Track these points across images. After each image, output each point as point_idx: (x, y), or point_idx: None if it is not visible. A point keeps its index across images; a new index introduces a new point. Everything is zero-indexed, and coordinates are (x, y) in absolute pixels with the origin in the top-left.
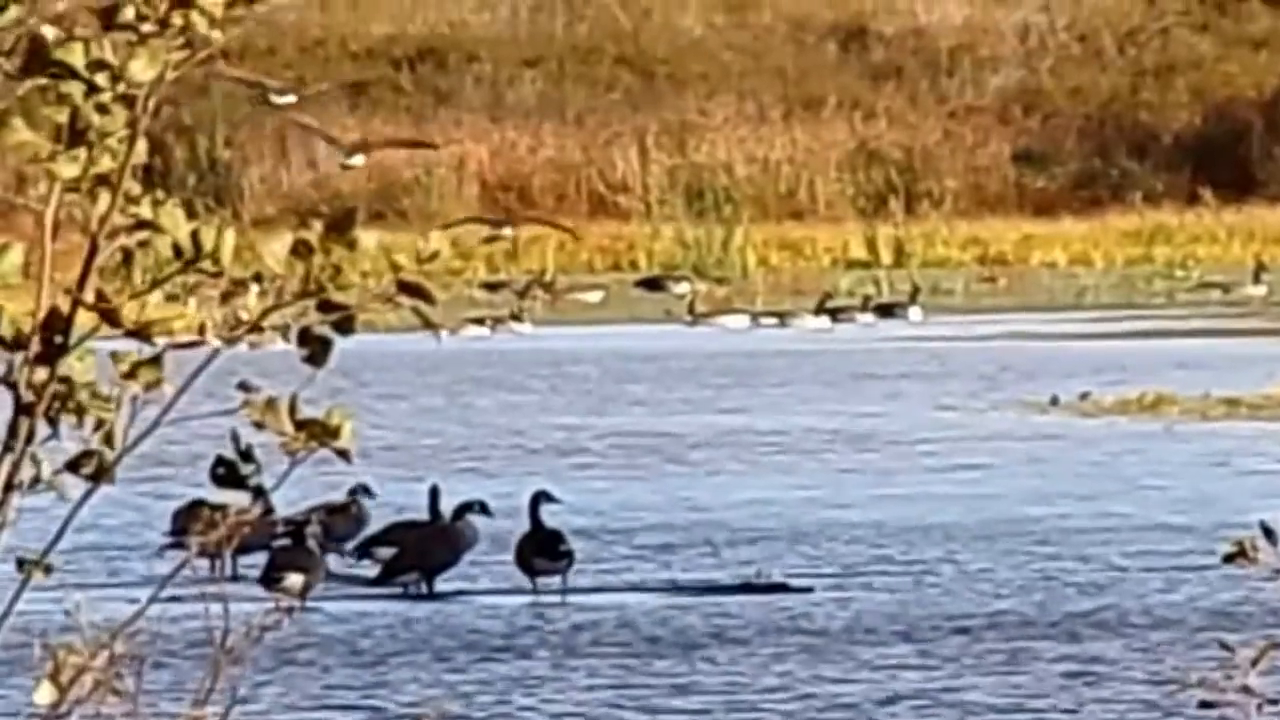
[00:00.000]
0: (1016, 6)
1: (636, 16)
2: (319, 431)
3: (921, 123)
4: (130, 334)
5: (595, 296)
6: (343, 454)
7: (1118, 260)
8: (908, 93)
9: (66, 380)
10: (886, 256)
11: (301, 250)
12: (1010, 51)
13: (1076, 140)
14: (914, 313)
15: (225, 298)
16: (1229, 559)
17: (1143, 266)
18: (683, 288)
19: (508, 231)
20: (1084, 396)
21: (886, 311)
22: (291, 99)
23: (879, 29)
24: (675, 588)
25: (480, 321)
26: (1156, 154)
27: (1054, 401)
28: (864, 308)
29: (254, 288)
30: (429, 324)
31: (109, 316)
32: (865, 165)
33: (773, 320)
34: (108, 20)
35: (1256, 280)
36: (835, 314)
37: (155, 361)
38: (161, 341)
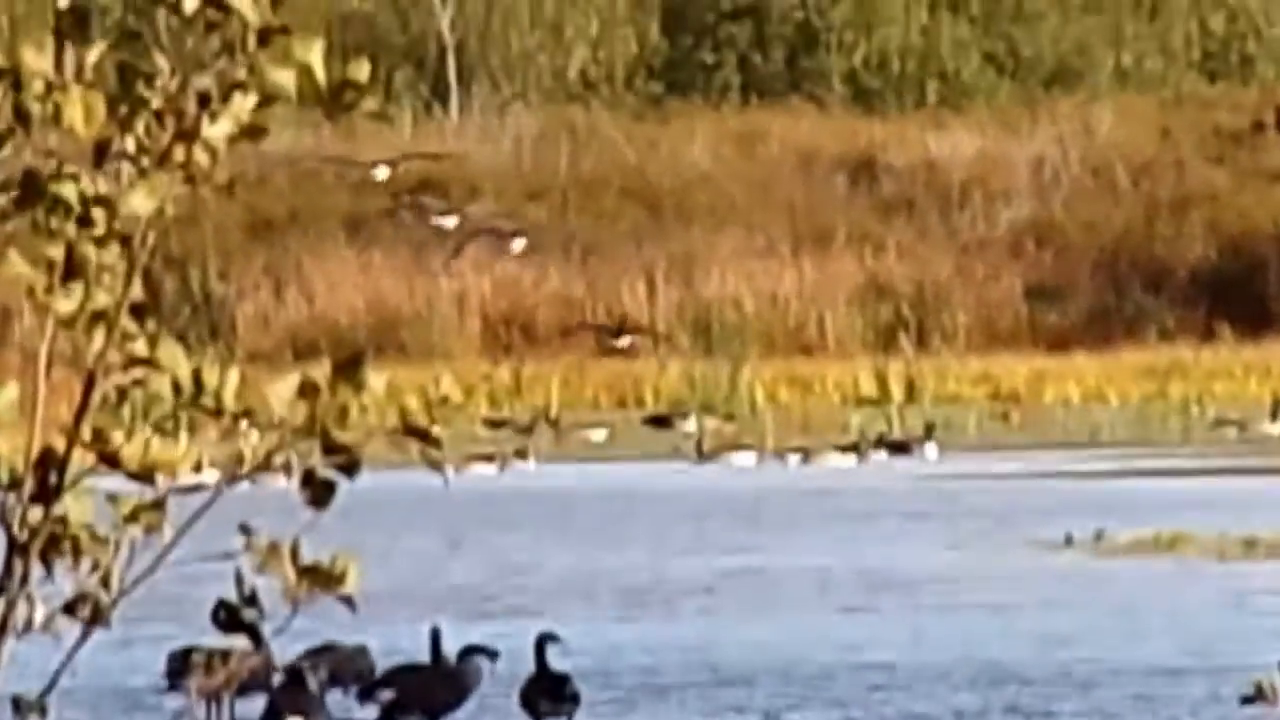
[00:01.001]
0: (1029, 139)
1: (642, 148)
2: (322, 579)
3: (932, 256)
4: (132, 476)
5: (601, 434)
6: (347, 601)
7: (1132, 397)
8: (918, 226)
9: (62, 520)
10: (898, 393)
11: (308, 391)
12: (1022, 184)
13: (1090, 274)
14: (929, 450)
15: (226, 436)
16: (1247, 701)
17: (1158, 403)
18: (690, 425)
19: (624, 342)
20: (1099, 536)
21: (900, 449)
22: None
23: (889, 161)
24: None
25: (488, 458)
26: (1171, 288)
27: (1068, 541)
28: (877, 445)
29: (252, 427)
30: (435, 465)
31: (109, 458)
32: (875, 299)
33: (797, 457)
34: (101, 156)
35: (1274, 418)
36: (846, 451)
37: (158, 505)
38: (163, 483)
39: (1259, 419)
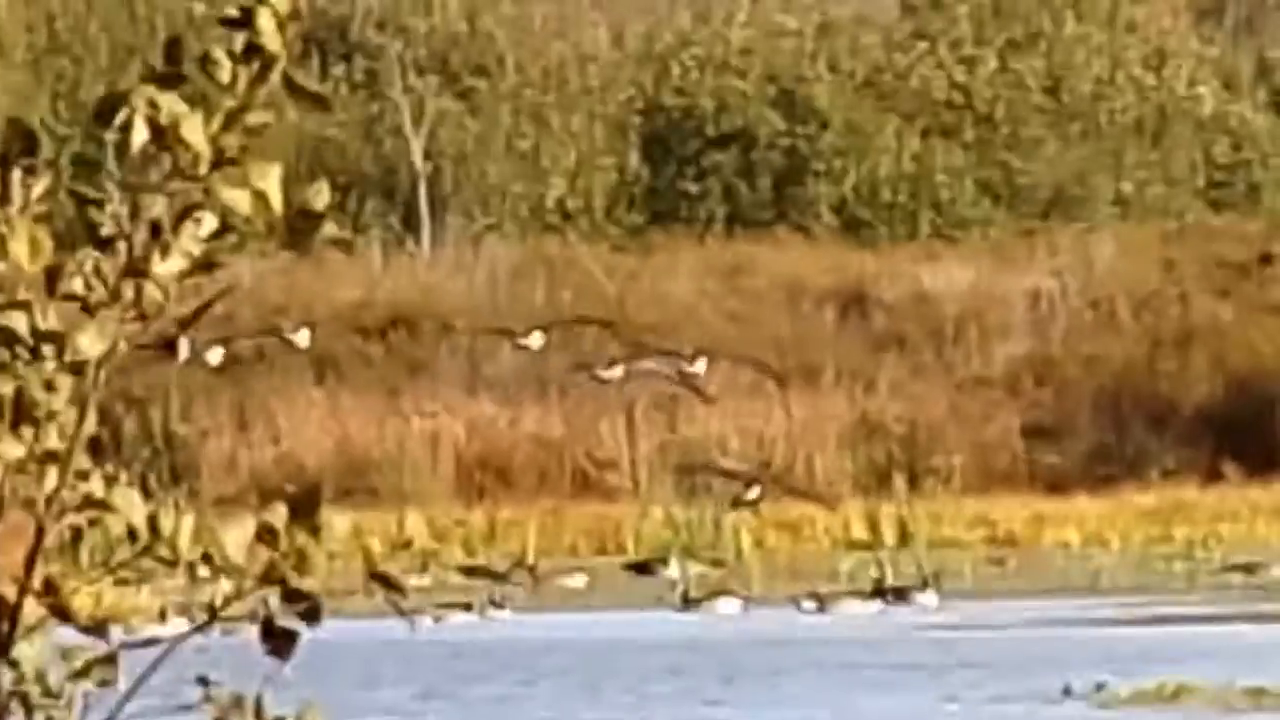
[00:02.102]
0: (1026, 271)
1: (622, 281)
2: None
3: (926, 394)
4: (85, 630)
5: (580, 581)
6: None
7: (1135, 540)
8: (911, 362)
9: (15, 673)
10: (890, 537)
11: (265, 535)
12: (1019, 319)
13: (1090, 413)
14: (928, 598)
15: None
16: None
17: (1162, 547)
18: (673, 571)
19: (754, 493)
20: (1100, 687)
21: (896, 596)
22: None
23: (880, 295)
24: None
25: (466, 607)
26: (1175, 427)
27: (1067, 692)
28: (873, 593)
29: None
30: (402, 612)
31: (60, 611)
32: (866, 439)
33: (813, 605)
34: (52, 286)
35: None
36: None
37: (110, 660)
38: (116, 637)
39: (1269, 563)
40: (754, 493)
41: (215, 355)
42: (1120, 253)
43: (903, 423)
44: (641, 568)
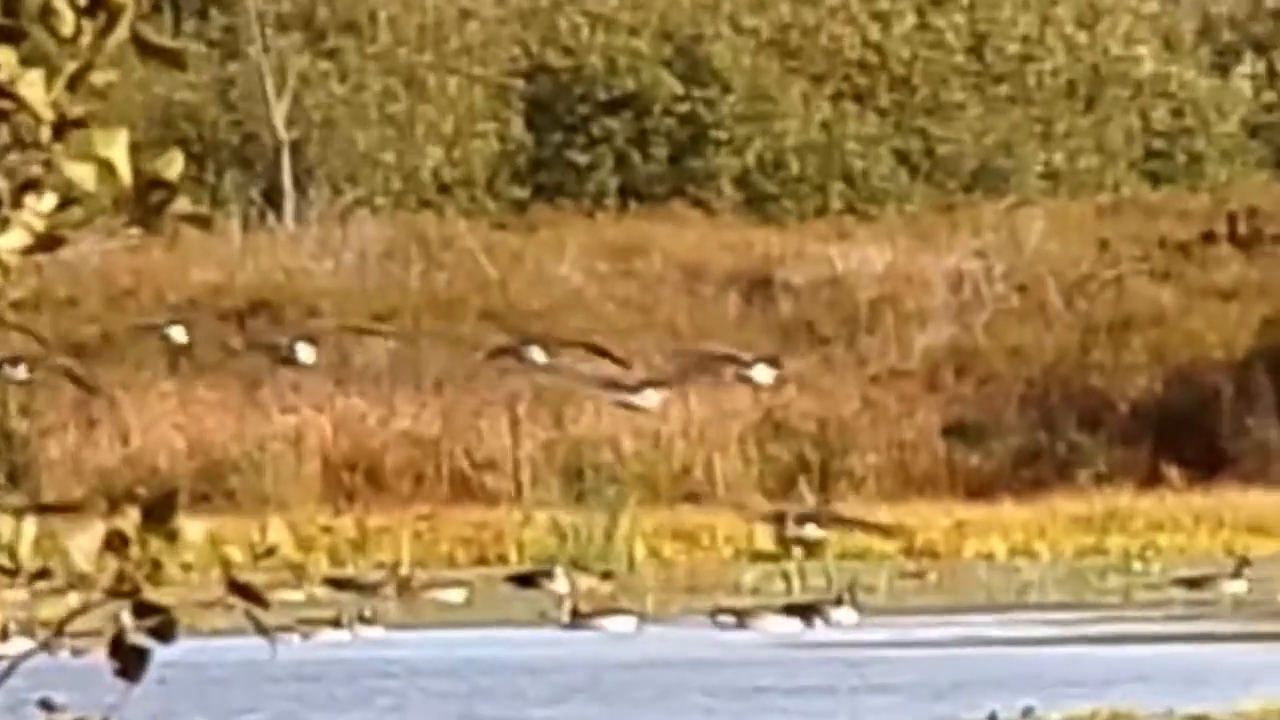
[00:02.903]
0: (947, 251)
1: (505, 263)
2: None
3: (837, 389)
4: None
5: (457, 595)
6: None
7: (1066, 551)
8: (821, 353)
9: None
10: (797, 547)
11: (115, 543)
12: (940, 304)
13: (1017, 409)
14: (844, 614)
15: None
16: None
17: (1095, 559)
18: (560, 584)
19: (810, 533)
20: (1027, 713)
21: (808, 613)
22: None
23: (787, 278)
24: None
25: (335, 624)
26: (1111, 425)
27: (991, 719)
28: (785, 609)
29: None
30: (263, 630)
31: None
32: (772, 438)
33: (730, 620)
34: None
35: (1237, 575)
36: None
37: None
38: None
39: (1215, 576)
40: (810, 531)
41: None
42: (1050, 231)
43: (812, 420)
44: (524, 580)
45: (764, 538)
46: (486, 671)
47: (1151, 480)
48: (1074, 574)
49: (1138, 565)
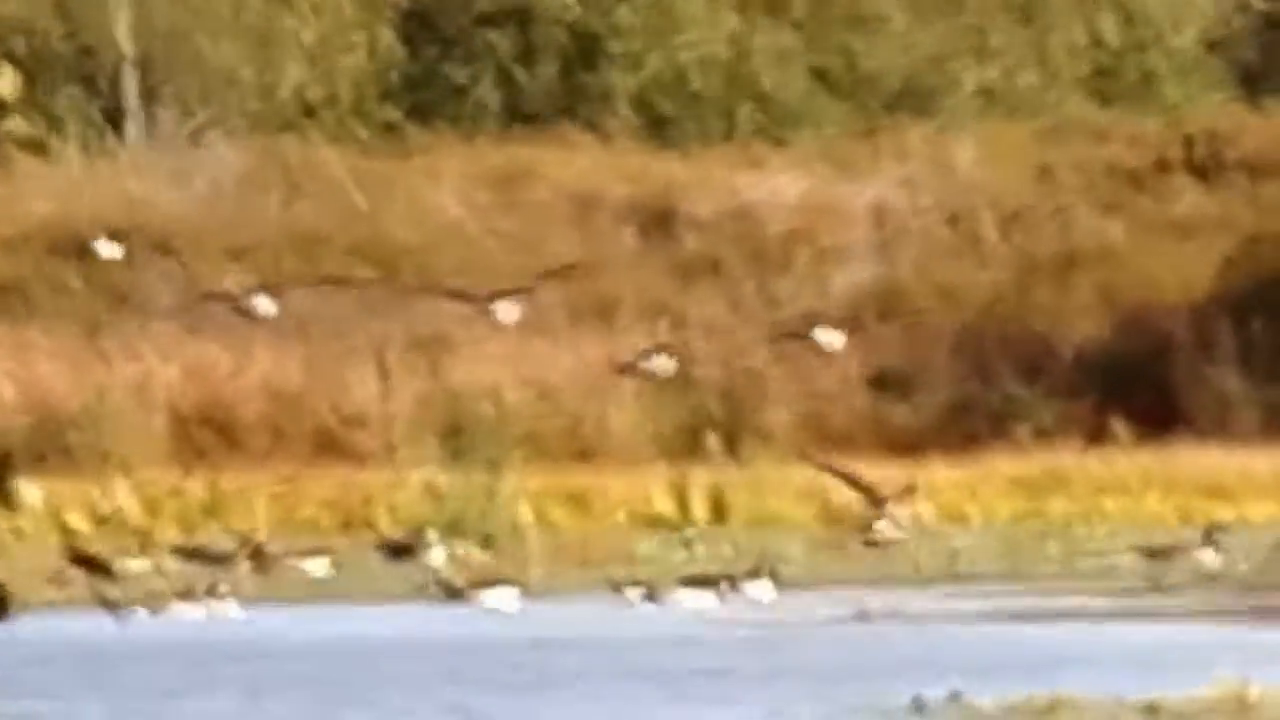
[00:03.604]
0: (869, 180)
1: (375, 193)
2: None
3: (746, 333)
4: None
5: (321, 566)
6: None
7: (1001, 516)
8: (728, 294)
9: None
10: (701, 512)
11: None
12: (861, 240)
13: (948, 357)
14: (760, 588)
15: None
16: None
17: (1033, 524)
18: (435, 554)
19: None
20: (955, 698)
21: (717, 586)
22: None
23: (690, 210)
24: None
25: (184, 598)
26: (1053, 375)
27: (917, 707)
28: (687, 581)
29: None
30: (108, 605)
31: None
32: (673, 390)
33: (636, 594)
34: None
35: (1208, 542)
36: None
37: None
38: None
39: (1187, 546)
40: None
41: None
42: (985, 157)
43: (718, 368)
44: (397, 549)
45: (664, 501)
46: (352, 651)
47: (1097, 437)
48: (1010, 541)
49: (1081, 531)
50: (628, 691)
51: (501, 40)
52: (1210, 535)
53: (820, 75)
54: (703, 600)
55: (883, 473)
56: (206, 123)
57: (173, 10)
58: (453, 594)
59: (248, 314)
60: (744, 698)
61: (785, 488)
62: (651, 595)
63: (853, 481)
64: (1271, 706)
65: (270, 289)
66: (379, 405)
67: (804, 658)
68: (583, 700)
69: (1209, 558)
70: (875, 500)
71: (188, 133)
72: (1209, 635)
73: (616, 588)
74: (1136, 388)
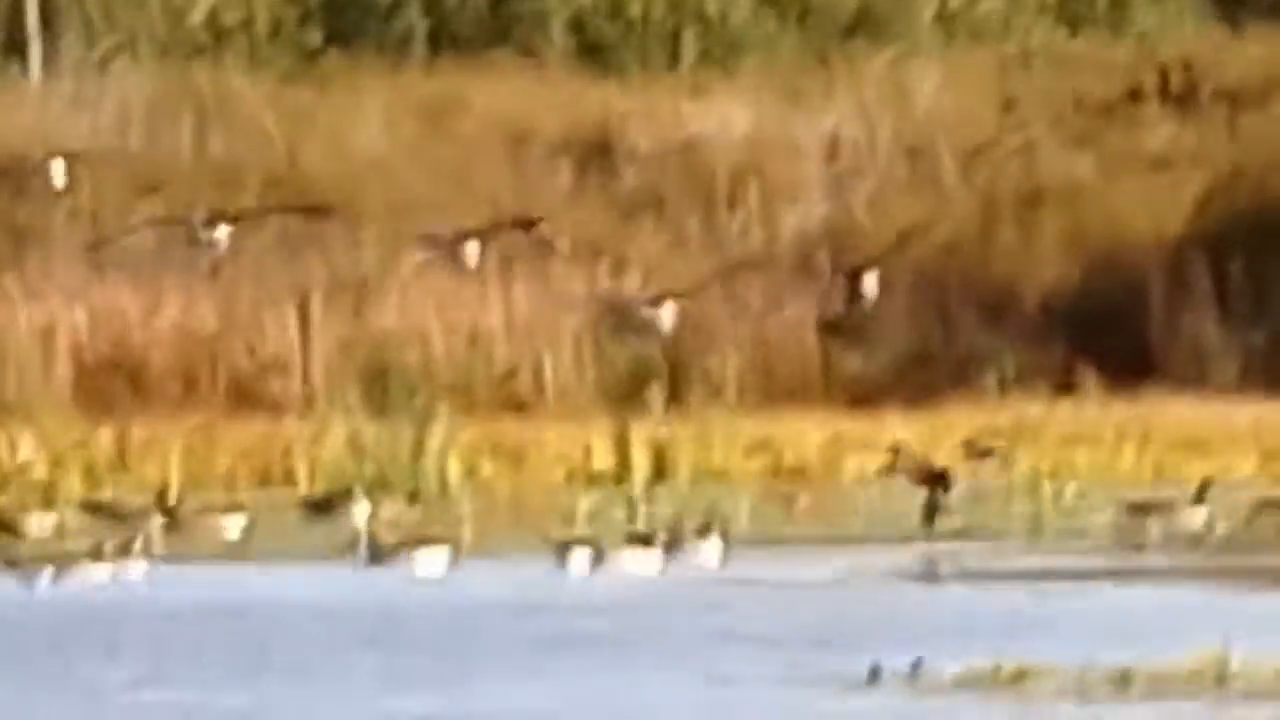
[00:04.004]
0: (822, 111)
1: (293, 125)
2: None
3: (690, 275)
4: None
5: (237, 524)
6: None
7: (961, 471)
8: (671, 233)
9: None
10: (643, 467)
11: None
12: (813, 176)
13: (906, 302)
14: (707, 549)
15: None
16: None
17: (999, 480)
18: (359, 512)
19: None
20: (916, 668)
21: (664, 546)
22: None
23: (631, 144)
24: None
25: (91, 556)
26: (1018, 321)
27: (874, 676)
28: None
29: None
30: (12, 564)
31: None
32: (612, 335)
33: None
34: None
35: (1200, 500)
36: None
37: None
38: None
39: (1163, 505)
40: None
41: None
42: (946, 87)
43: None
44: (318, 506)
45: (604, 456)
46: (270, 615)
47: (1066, 387)
48: (973, 499)
49: (1048, 488)
50: (564, 658)
51: None
52: (1187, 492)
53: None
54: (646, 561)
55: (840, 425)
56: (113, 49)
57: None
58: (378, 555)
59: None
60: (686, 664)
61: (733, 441)
62: (591, 556)
63: (924, 471)
64: (1254, 676)
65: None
66: (299, 352)
67: (752, 622)
68: (517, 668)
69: (1187, 516)
70: (946, 485)
71: (93, 59)
72: (1187, 599)
73: (554, 548)
74: (1108, 335)
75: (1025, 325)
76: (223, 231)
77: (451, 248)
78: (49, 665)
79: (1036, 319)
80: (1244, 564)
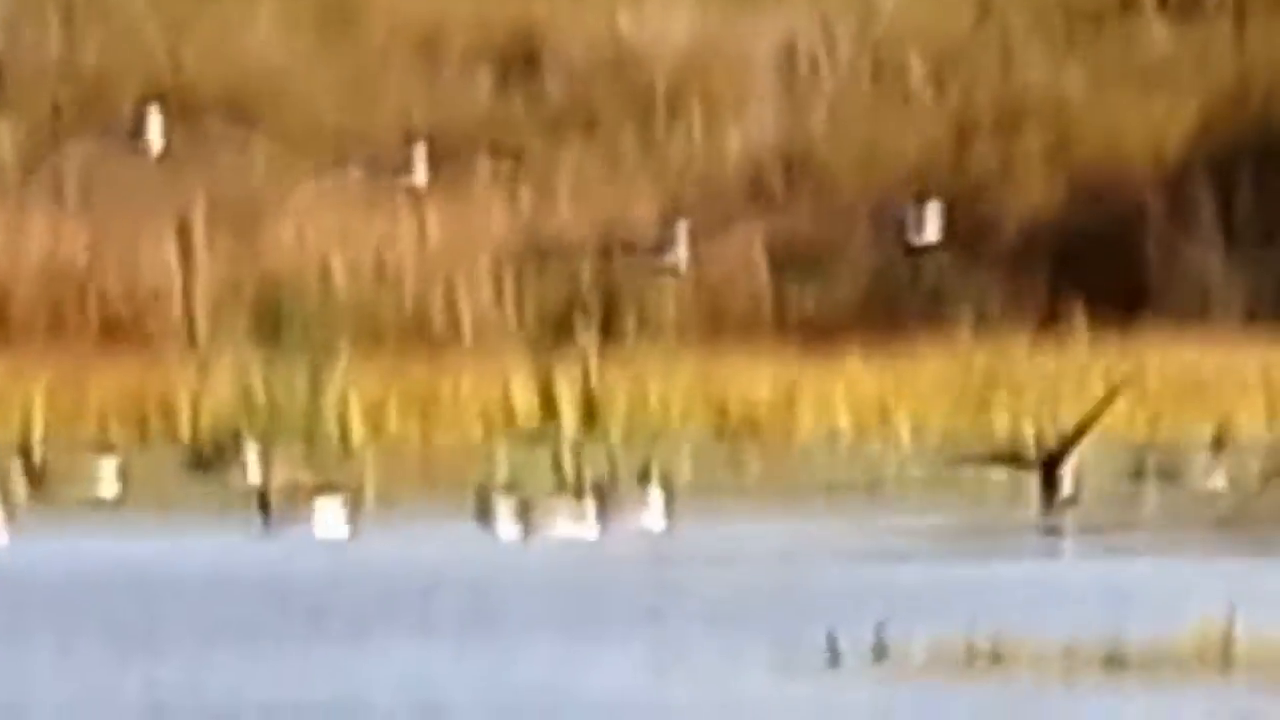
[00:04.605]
0: (774, 14)
1: (176, 30)
2: None
3: (626, 200)
4: None
5: (109, 479)
6: None
7: (934, 425)
8: (604, 152)
9: None
10: (571, 416)
11: None
12: (764, 89)
13: (870, 230)
14: (645, 510)
15: None
16: None
17: (973, 431)
18: (249, 467)
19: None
20: (880, 647)
21: (599, 506)
22: None
23: (558, 51)
24: None
25: None
26: (996, 251)
27: (832, 654)
28: (566, 499)
29: None
30: None
31: None
32: (537, 267)
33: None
34: None
35: (1218, 450)
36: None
37: None
38: None
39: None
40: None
41: None
42: None
43: (592, 241)
44: (202, 460)
45: (527, 403)
46: (146, 584)
47: (1050, 326)
48: (944, 453)
49: (1030, 442)
50: (480, 634)
51: None
52: (1188, 448)
53: None
54: (576, 524)
55: (794, 370)
56: None
57: None
58: (269, 515)
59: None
60: (620, 644)
61: (673, 388)
62: (514, 518)
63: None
64: (1260, 654)
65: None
66: (180, 285)
67: (693, 598)
68: (426, 646)
69: (1189, 476)
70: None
71: None
72: (1186, 569)
73: (470, 509)
74: (1097, 266)
75: (1004, 256)
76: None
77: (354, 167)
78: None
79: (1017, 249)
80: (1252, 530)
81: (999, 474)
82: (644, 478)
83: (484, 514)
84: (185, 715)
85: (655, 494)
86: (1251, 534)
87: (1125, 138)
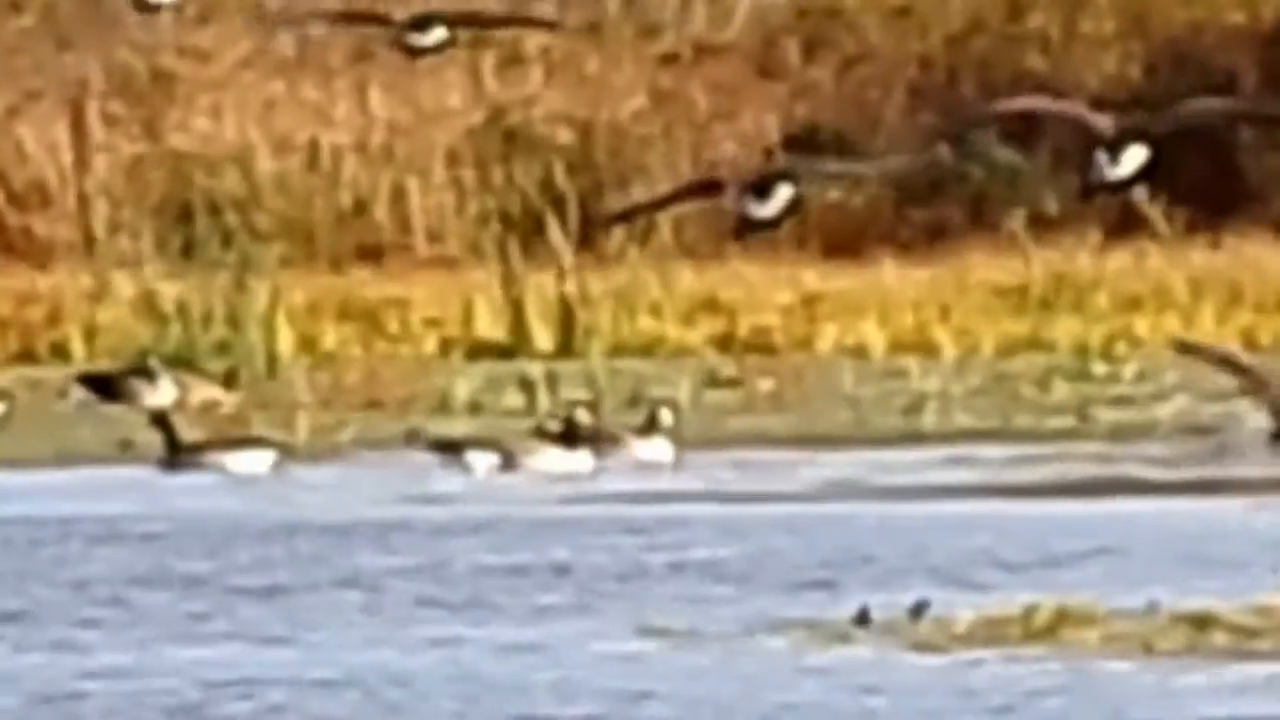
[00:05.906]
0: None
1: None
2: None
3: (610, 72)
4: None
5: None
6: None
7: (984, 344)
8: (583, 14)
9: None
10: (544, 336)
11: None
12: None
13: (905, 107)
14: (654, 445)
15: None
16: None
17: (1031, 356)
18: (160, 392)
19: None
20: (918, 611)
21: (590, 442)
22: None
23: None
24: None
25: None
26: (1055, 135)
27: (862, 619)
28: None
29: None
30: None
31: None
32: (504, 154)
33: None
34: None
35: None
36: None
37: None
38: None
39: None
40: None
41: None
42: None
43: (570, 125)
44: (100, 387)
45: (490, 319)
46: (37, 533)
47: (1124, 226)
48: (997, 381)
49: (1101, 368)
50: (430, 599)
51: None
52: None
53: None
54: (549, 463)
55: (814, 280)
56: None
57: None
58: (181, 453)
59: None
60: (606, 608)
61: (667, 300)
62: (476, 458)
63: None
64: None
65: None
66: (72, 177)
67: (693, 552)
68: (363, 610)
69: None
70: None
71: None
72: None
73: (422, 447)
74: (1179, 157)
75: (1067, 140)
76: None
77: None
78: None
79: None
80: None
81: (1059, 400)
82: (632, 404)
83: (439, 455)
84: (56, 671)
85: (648, 427)
86: None
87: None
